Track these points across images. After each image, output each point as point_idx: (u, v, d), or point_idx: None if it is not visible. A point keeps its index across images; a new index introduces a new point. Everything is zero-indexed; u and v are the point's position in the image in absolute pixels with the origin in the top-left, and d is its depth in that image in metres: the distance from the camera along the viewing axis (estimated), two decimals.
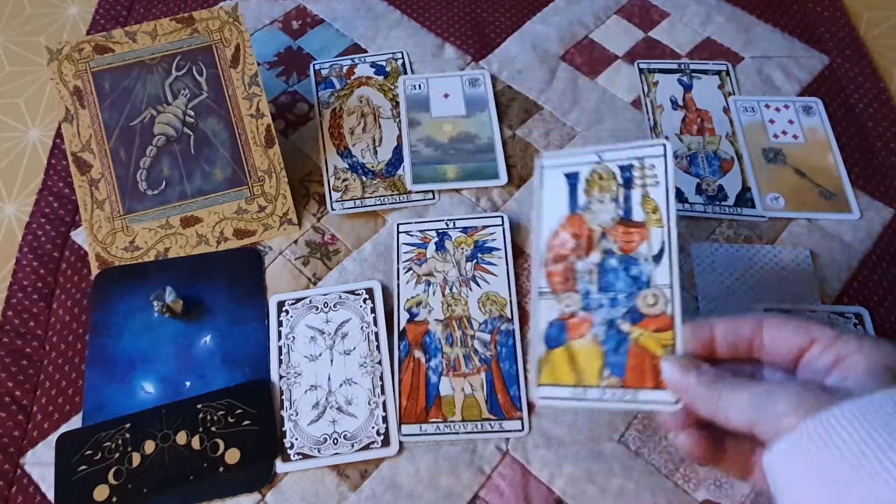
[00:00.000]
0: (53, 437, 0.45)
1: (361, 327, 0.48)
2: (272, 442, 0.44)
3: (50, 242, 0.54)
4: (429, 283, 0.50)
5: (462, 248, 0.51)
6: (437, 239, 0.52)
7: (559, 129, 0.59)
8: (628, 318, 0.37)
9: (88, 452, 0.43)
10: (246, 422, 0.45)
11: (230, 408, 0.45)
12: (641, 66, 0.62)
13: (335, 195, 0.55)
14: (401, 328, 0.48)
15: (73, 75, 0.53)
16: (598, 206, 0.40)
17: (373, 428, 0.45)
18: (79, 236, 0.54)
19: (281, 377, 0.47)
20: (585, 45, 0.64)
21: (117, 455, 0.43)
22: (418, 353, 0.47)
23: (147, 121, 0.53)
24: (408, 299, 0.49)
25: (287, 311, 0.49)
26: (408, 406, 0.46)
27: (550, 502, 0.43)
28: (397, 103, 0.60)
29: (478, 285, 0.50)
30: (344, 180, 0.56)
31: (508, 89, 0.61)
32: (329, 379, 0.47)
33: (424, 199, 0.55)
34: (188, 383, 0.47)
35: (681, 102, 0.60)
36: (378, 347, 0.48)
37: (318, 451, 0.44)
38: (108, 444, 0.44)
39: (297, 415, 0.45)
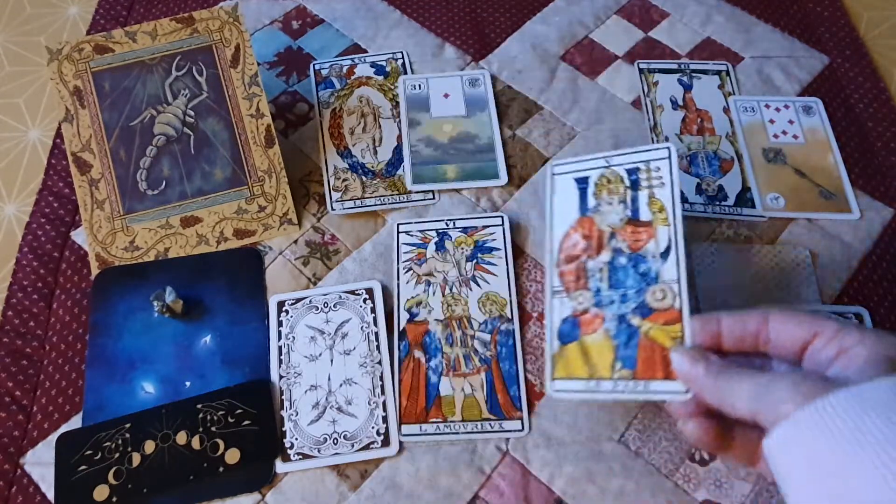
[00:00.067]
0: (53, 437, 0.45)
1: (361, 327, 0.48)
2: (272, 442, 0.44)
3: (50, 242, 0.54)
4: (429, 283, 0.50)
5: (462, 248, 0.51)
6: (437, 239, 0.52)
7: (559, 129, 0.59)
8: (638, 312, 0.39)
9: (88, 452, 0.43)
10: (246, 422, 0.45)
11: (230, 408, 0.45)
12: (641, 66, 0.62)
13: (335, 195, 0.55)
14: (401, 328, 0.48)
15: (73, 75, 0.53)
16: (607, 208, 0.42)
17: (373, 428, 0.45)
18: (79, 236, 0.54)
19: (281, 377, 0.47)
20: (585, 45, 0.64)
21: (117, 455, 0.43)
22: (418, 353, 0.47)
23: (147, 121, 0.53)
24: (408, 299, 0.49)
25: (287, 311, 0.49)
26: (408, 406, 0.46)
27: (550, 502, 0.43)
28: (397, 103, 0.60)
29: (478, 285, 0.50)
30: (344, 180, 0.56)
31: (508, 89, 0.61)
32: (329, 379, 0.47)
33: (424, 199, 0.55)
34: (188, 383, 0.47)
35: (681, 102, 0.60)
36: (378, 347, 0.48)
37: (318, 451, 0.44)
38: (108, 444, 0.44)
39: (297, 415, 0.45)
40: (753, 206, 0.54)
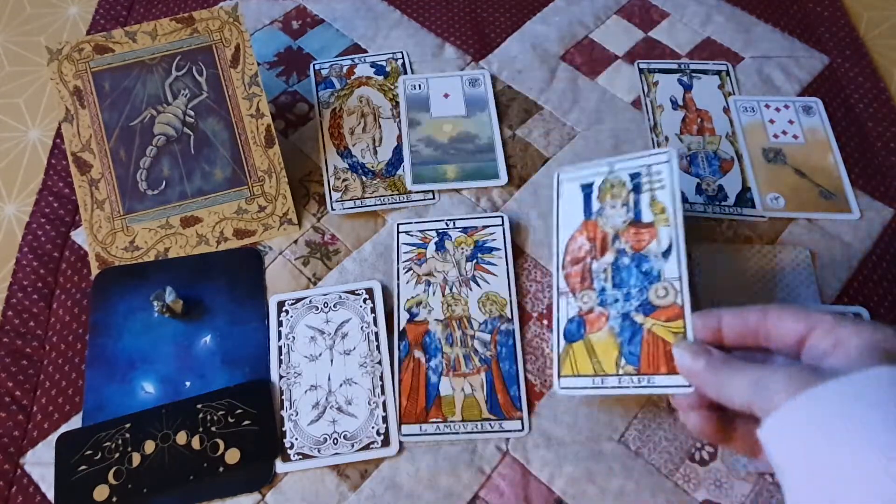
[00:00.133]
0: (53, 437, 0.45)
1: (361, 327, 0.48)
2: (272, 442, 0.44)
3: (50, 242, 0.54)
4: (429, 283, 0.50)
5: (462, 248, 0.51)
6: (437, 239, 0.52)
7: (559, 129, 0.59)
8: (641, 310, 0.41)
9: (88, 452, 0.43)
10: (246, 422, 0.45)
11: (230, 408, 0.45)
12: (641, 66, 0.62)
13: (335, 195, 0.55)
14: (401, 328, 0.48)
15: (73, 75, 0.53)
16: (611, 212, 0.44)
17: (373, 428, 0.45)
18: (79, 236, 0.54)
19: (281, 377, 0.47)
20: (585, 45, 0.64)
21: (117, 455, 0.43)
22: (418, 353, 0.47)
23: (147, 121, 0.53)
24: (408, 299, 0.49)
25: (287, 311, 0.49)
26: (408, 406, 0.46)
27: (550, 502, 0.43)
28: (397, 103, 0.60)
29: (478, 285, 0.50)
30: (344, 180, 0.56)
31: (508, 89, 0.61)
32: (329, 379, 0.47)
33: (424, 199, 0.55)
34: (188, 383, 0.47)
35: (681, 102, 0.60)
36: (378, 347, 0.48)
37: (318, 451, 0.44)
38: (108, 444, 0.44)
39: (297, 415, 0.45)
40: (753, 206, 0.54)
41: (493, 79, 0.61)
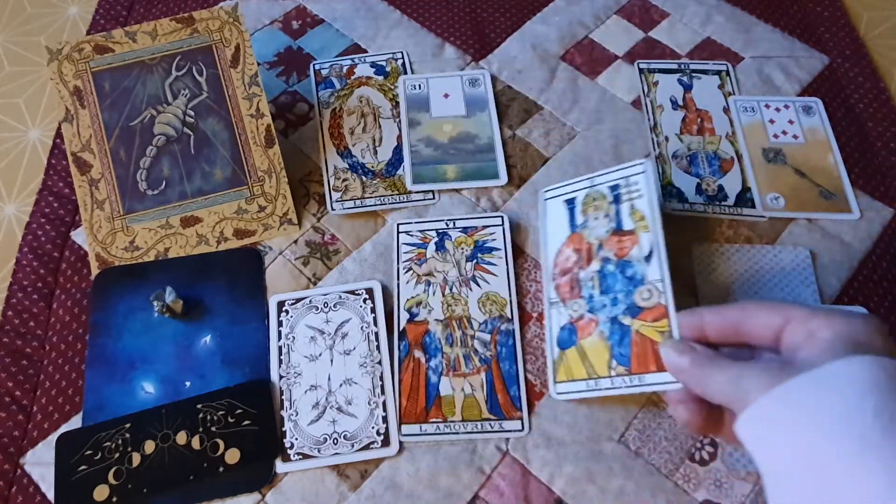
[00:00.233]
0: (53, 437, 0.45)
1: (361, 327, 0.48)
2: (272, 442, 0.44)
3: (50, 242, 0.54)
4: (429, 283, 0.50)
5: (462, 248, 0.51)
6: (437, 239, 0.52)
7: (559, 129, 0.59)
8: (629, 313, 0.43)
9: (88, 452, 0.43)
10: (246, 422, 0.45)
11: (230, 408, 0.45)
12: (641, 66, 0.62)
13: (335, 195, 0.55)
14: (401, 328, 0.48)
15: (73, 75, 0.53)
16: (594, 223, 0.46)
17: (373, 428, 0.45)
18: (79, 236, 0.54)
19: (281, 377, 0.47)
20: (585, 45, 0.64)
21: (117, 455, 0.43)
22: (418, 353, 0.47)
23: (147, 121, 0.53)
24: (408, 299, 0.49)
25: (287, 311, 0.49)
26: (408, 406, 0.46)
27: (550, 502, 0.43)
28: (397, 103, 0.60)
29: (478, 285, 0.50)
30: (344, 180, 0.56)
31: (508, 89, 0.61)
32: (329, 379, 0.47)
33: (424, 199, 0.55)
34: (188, 383, 0.47)
35: (681, 102, 0.60)
36: (378, 347, 0.48)
37: (318, 451, 0.44)
38: (108, 444, 0.44)
39: (297, 415, 0.45)
40: (753, 206, 0.54)
41: (493, 79, 0.61)
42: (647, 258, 0.43)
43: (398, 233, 0.52)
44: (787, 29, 0.65)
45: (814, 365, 0.30)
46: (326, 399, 0.46)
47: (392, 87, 0.61)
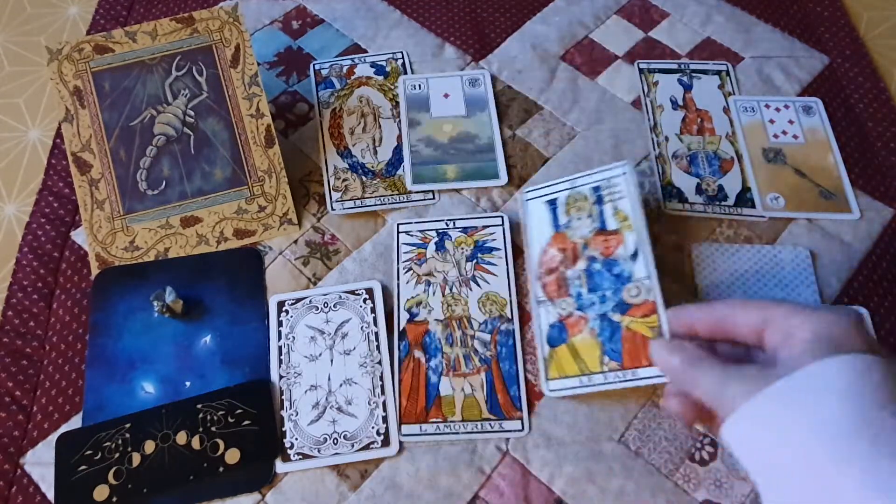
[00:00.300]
0: (53, 437, 0.45)
1: (361, 327, 0.48)
2: (272, 442, 0.44)
3: (50, 242, 0.54)
4: (429, 283, 0.50)
5: (462, 248, 0.51)
6: (437, 239, 0.52)
7: (559, 129, 0.59)
8: (618, 309, 0.43)
9: (88, 452, 0.43)
10: (246, 422, 0.45)
11: (230, 408, 0.45)
12: (641, 66, 0.62)
13: (335, 195, 0.55)
14: (401, 328, 0.48)
15: (73, 75, 0.53)
16: (577, 223, 0.47)
17: (373, 428, 0.45)
18: (79, 236, 0.54)
19: (281, 377, 0.47)
20: (585, 45, 0.64)
21: (117, 455, 0.43)
22: (418, 353, 0.47)
23: (147, 121, 0.53)
24: (408, 299, 0.49)
25: (287, 311, 0.49)
26: (408, 406, 0.46)
27: (550, 502, 0.43)
28: (397, 103, 0.60)
29: (478, 285, 0.50)
30: (344, 180, 0.56)
31: (508, 89, 0.61)
32: (329, 379, 0.47)
33: (424, 199, 0.55)
34: (188, 383, 0.47)
35: (681, 102, 0.60)
36: (378, 347, 0.48)
37: (318, 451, 0.44)
38: (108, 444, 0.44)
39: (297, 415, 0.45)
40: (753, 206, 0.54)
41: (493, 79, 0.61)
42: (633, 257, 0.44)
43: (398, 233, 0.52)
44: (787, 29, 0.65)
45: (792, 367, 0.31)
46: (326, 399, 0.46)
47: (392, 87, 0.61)
